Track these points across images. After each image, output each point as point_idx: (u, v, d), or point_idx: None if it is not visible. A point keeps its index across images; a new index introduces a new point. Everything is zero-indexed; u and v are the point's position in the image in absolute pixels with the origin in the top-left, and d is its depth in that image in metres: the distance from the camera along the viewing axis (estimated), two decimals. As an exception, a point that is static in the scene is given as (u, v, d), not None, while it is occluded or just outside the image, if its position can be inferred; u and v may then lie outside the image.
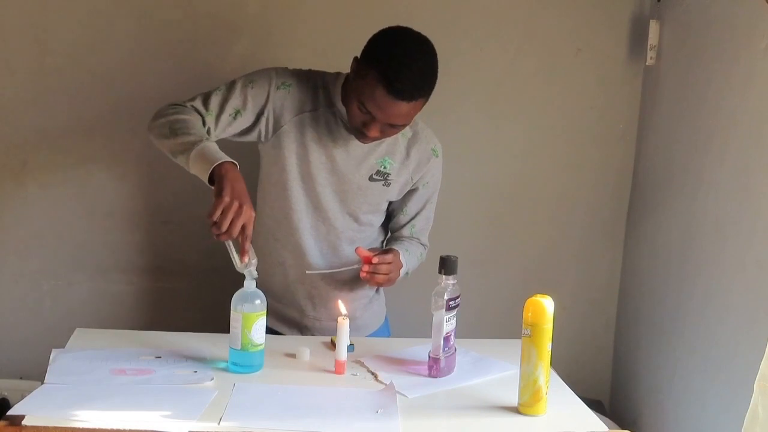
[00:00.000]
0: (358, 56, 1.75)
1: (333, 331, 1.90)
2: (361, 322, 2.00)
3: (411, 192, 1.96)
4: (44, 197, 2.36)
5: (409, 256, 1.94)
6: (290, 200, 1.87)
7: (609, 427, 1.50)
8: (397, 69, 1.66)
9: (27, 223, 2.37)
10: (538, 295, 1.48)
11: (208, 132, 1.78)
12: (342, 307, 1.69)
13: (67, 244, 2.38)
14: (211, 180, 1.61)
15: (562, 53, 2.38)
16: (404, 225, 1.99)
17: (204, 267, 2.38)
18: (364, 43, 1.74)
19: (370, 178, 1.88)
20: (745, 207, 1.78)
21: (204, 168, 1.61)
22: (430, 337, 1.64)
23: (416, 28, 2.29)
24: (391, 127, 1.76)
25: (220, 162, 1.60)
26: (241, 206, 1.56)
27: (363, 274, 1.79)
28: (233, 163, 1.63)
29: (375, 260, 1.80)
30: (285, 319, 1.97)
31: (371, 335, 2.04)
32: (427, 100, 1.75)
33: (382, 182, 1.90)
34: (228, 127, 1.81)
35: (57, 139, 2.33)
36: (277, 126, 1.84)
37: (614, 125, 2.42)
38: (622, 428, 1.69)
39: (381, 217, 1.98)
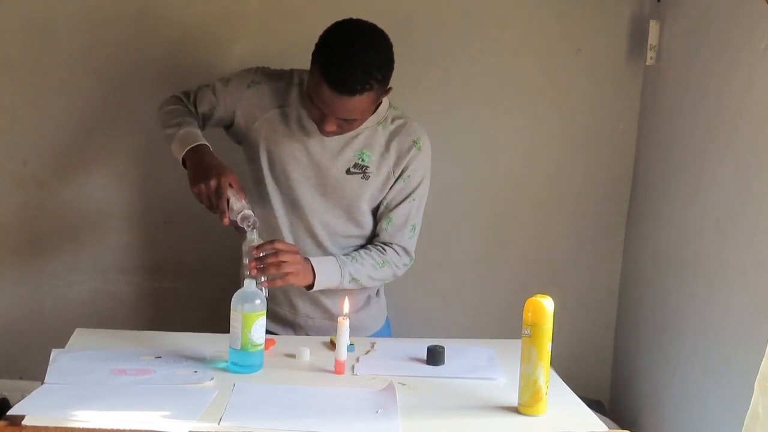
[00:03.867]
0: None
1: (326, 329, 1.90)
2: (357, 323, 1.99)
3: (393, 185, 1.89)
4: (44, 197, 2.36)
5: (356, 263, 1.85)
6: (267, 199, 1.88)
7: (609, 427, 1.50)
8: (337, 64, 1.64)
9: (27, 223, 2.36)
10: (538, 295, 1.48)
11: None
12: (346, 305, 1.68)
13: (66, 244, 2.38)
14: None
15: (562, 53, 2.37)
16: (383, 218, 1.91)
17: (204, 267, 2.37)
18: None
19: (348, 171, 1.85)
20: (745, 207, 1.78)
21: (178, 155, 1.76)
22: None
23: (416, 28, 2.28)
24: (346, 122, 1.73)
25: (189, 148, 1.73)
26: (214, 184, 1.66)
27: (253, 272, 1.69)
28: (199, 145, 1.74)
29: (254, 252, 1.68)
30: (278, 318, 1.95)
31: (370, 337, 2.03)
32: (380, 91, 1.71)
33: (361, 175, 1.86)
34: (208, 119, 1.90)
35: (57, 139, 2.33)
36: (250, 124, 1.86)
37: (614, 125, 2.42)
38: (622, 428, 1.68)
39: (368, 218, 1.92)
